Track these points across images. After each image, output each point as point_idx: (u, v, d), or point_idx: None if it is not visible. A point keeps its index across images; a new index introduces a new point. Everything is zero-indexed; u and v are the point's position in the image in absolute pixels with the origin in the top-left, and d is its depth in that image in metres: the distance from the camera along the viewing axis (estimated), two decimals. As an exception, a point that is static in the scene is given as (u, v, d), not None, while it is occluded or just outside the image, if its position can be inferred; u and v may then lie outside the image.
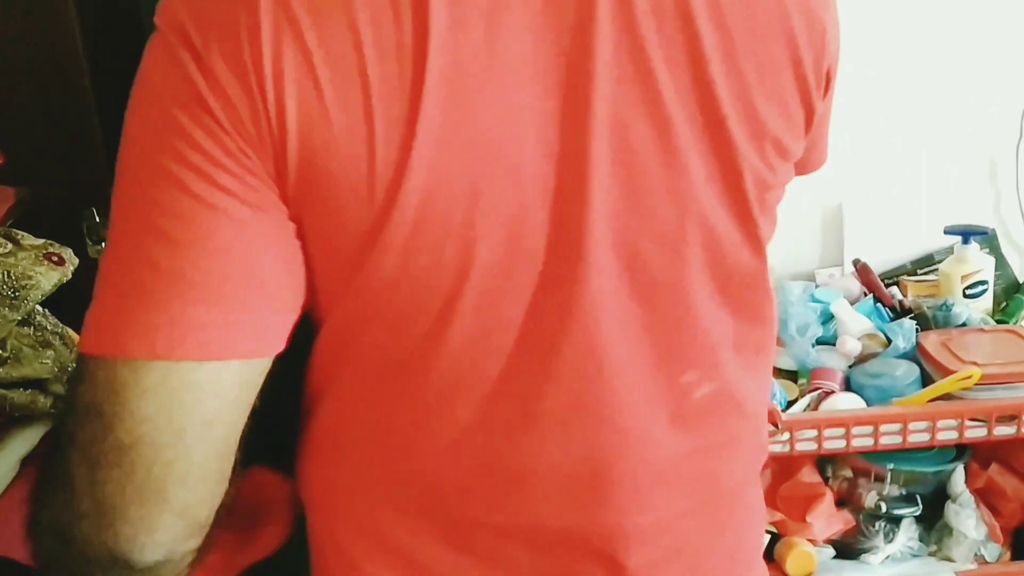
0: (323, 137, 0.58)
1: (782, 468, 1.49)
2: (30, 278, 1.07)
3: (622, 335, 0.69)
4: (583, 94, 0.62)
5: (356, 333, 0.67)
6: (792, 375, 1.57)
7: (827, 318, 1.63)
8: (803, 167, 0.80)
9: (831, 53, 0.71)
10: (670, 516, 0.76)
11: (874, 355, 1.57)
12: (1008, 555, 1.49)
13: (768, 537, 1.44)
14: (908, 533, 1.47)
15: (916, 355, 1.53)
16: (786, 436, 1.40)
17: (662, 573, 0.76)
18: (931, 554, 1.48)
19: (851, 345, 1.56)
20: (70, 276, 1.15)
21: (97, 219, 1.23)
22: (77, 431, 0.59)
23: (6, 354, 1.00)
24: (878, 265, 1.79)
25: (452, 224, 0.61)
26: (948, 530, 1.46)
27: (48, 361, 1.03)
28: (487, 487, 0.72)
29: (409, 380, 0.68)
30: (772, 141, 0.69)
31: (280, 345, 0.62)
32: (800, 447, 1.41)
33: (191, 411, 0.58)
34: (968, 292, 1.68)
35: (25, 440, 1.04)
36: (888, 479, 1.46)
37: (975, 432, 1.41)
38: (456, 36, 0.59)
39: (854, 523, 1.47)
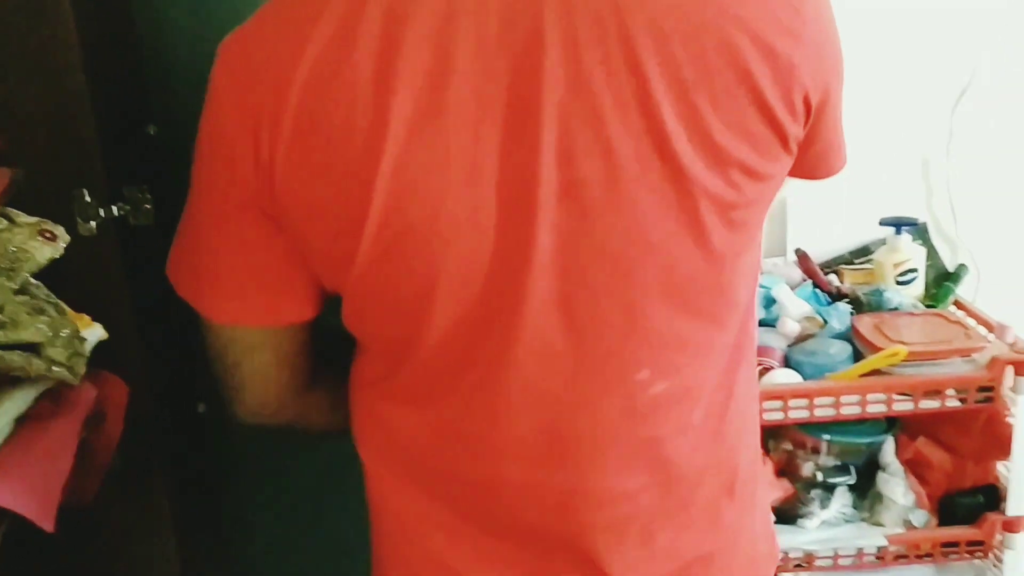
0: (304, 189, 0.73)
1: (726, 440, 1.56)
2: (25, 251, 1.13)
3: (567, 337, 0.76)
4: (532, 130, 0.70)
5: (358, 315, 0.81)
6: (736, 354, 1.64)
7: (769, 302, 1.68)
8: (823, 172, 0.89)
9: (807, 82, 0.74)
10: (631, 488, 0.83)
11: (812, 336, 1.61)
12: (934, 521, 1.53)
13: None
14: (842, 500, 1.51)
15: (850, 336, 1.57)
16: (729, 409, 1.46)
17: (621, 528, 0.84)
18: (863, 520, 1.52)
19: (790, 326, 1.62)
20: (62, 252, 1.21)
21: (88, 200, 1.30)
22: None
23: (4, 318, 1.05)
24: (819, 255, 1.83)
25: (415, 239, 0.72)
26: (879, 498, 1.51)
27: (43, 326, 1.07)
28: (458, 449, 0.83)
29: (398, 356, 0.81)
30: (737, 166, 0.74)
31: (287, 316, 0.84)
32: (741, 419, 1.48)
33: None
34: (900, 279, 1.73)
35: (20, 400, 1.09)
36: (824, 451, 1.50)
37: (902, 405, 1.45)
38: (414, 80, 0.68)
39: (793, 491, 1.51)
